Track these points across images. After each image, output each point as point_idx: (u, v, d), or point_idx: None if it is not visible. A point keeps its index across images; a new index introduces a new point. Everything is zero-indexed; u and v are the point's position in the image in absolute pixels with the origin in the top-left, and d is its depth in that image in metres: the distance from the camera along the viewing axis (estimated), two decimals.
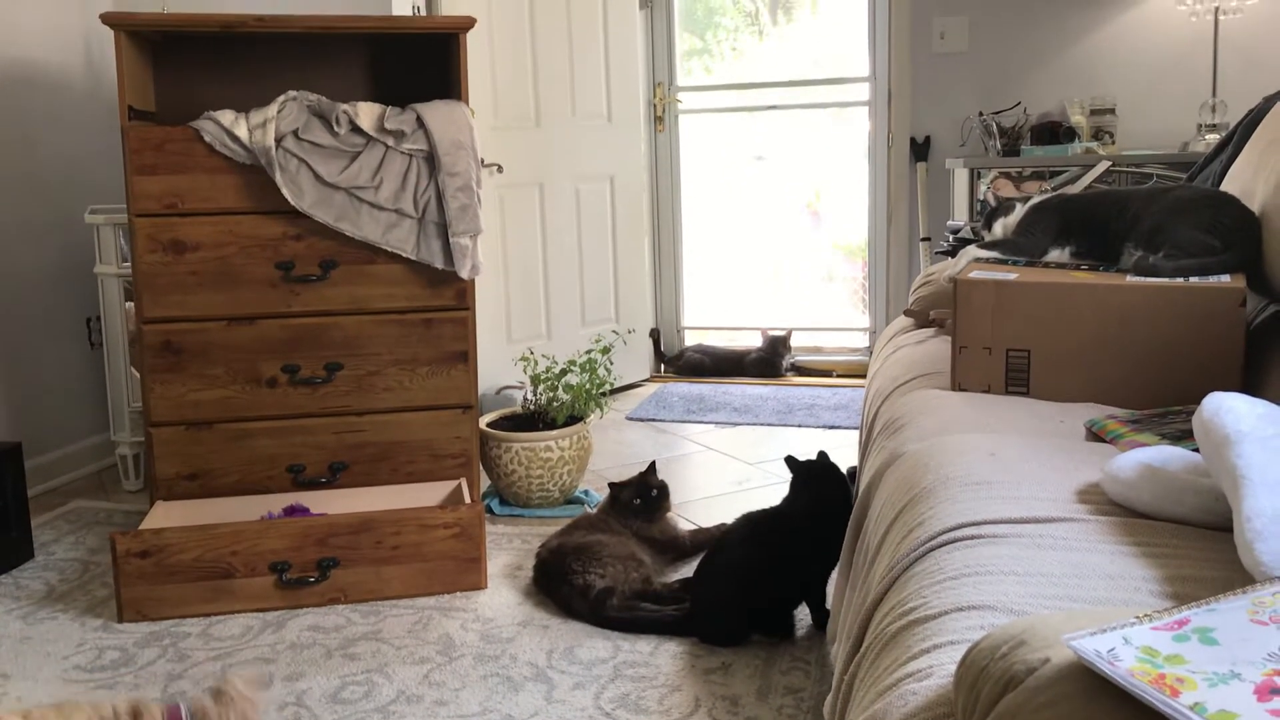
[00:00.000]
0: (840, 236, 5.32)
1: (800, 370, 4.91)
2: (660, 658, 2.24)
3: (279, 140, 2.76)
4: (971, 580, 1.13)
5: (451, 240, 2.85)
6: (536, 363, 3.52)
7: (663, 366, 4.98)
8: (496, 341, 4.18)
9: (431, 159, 2.82)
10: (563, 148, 4.32)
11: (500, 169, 4.01)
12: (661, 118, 4.95)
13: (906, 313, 2.86)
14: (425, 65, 3.22)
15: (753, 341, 5.17)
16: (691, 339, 5.30)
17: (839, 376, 4.83)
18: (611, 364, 4.27)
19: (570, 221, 4.37)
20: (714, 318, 5.48)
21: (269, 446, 2.92)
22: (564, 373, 3.36)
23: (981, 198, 4.06)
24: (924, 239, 4.52)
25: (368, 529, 2.59)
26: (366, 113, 2.82)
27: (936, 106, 4.51)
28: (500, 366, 4.12)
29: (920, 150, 4.58)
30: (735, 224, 5.48)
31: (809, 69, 5.15)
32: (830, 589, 2.35)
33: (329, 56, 3.19)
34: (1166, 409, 1.75)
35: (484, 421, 3.29)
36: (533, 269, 4.28)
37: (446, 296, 2.95)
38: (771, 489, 3.40)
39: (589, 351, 3.48)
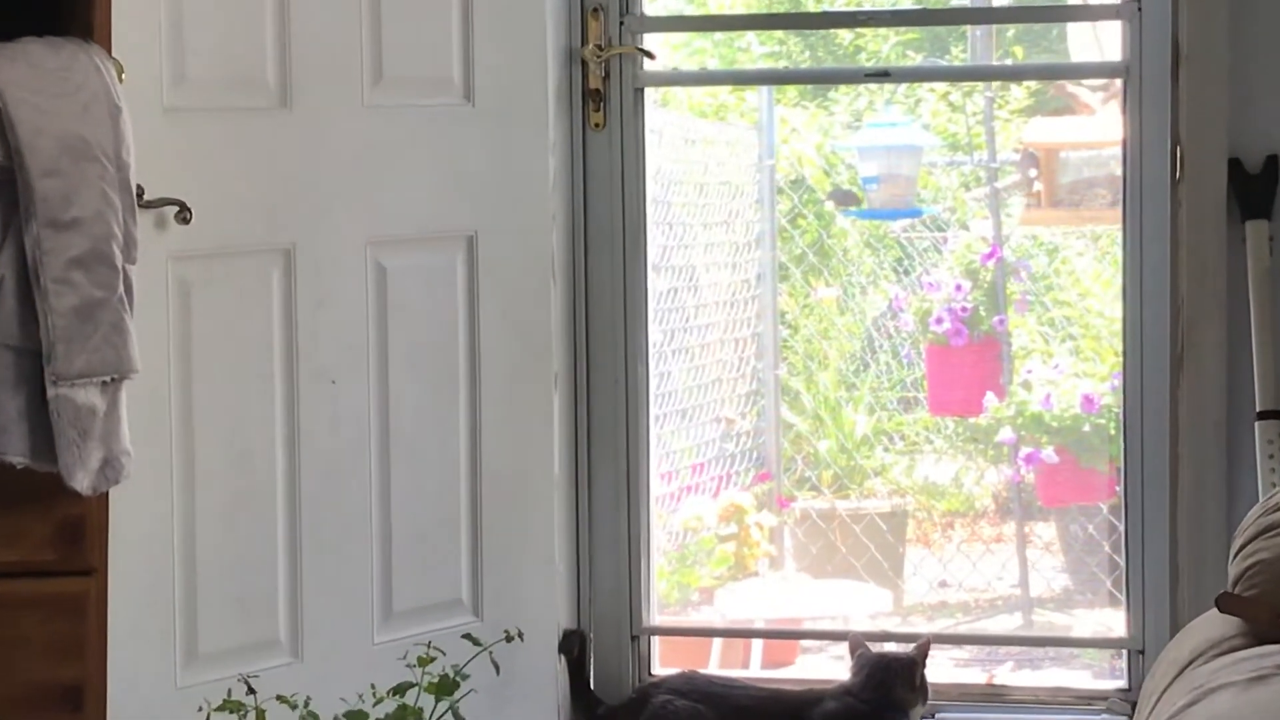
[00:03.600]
0: (1050, 399, 5.57)
1: None
2: None
3: None
4: None
5: (51, 397, 3.07)
6: (263, 717, 3.65)
7: None
8: (158, 660, 4.33)
9: (10, 184, 3.07)
10: (347, 164, 4.52)
11: (185, 212, 4.20)
12: (599, 94, 5.12)
13: (1222, 603, 3.12)
14: None
15: (830, 668, 5.41)
16: (668, 659, 5.31)
17: None
18: None
19: (359, 349, 4.58)
20: (726, 606, 5.90)
21: None
22: None
23: None
24: (1265, 414, 4.66)
25: None
26: None
27: None
28: None
29: (1255, 191, 4.73)
30: (780, 362, 5.38)
31: None
32: None
33: None
34: None
35: None
36: (259, 475, 4.46)
37: (34, 542, 3.20)
38: None
39: (399, 692, 3.68)
